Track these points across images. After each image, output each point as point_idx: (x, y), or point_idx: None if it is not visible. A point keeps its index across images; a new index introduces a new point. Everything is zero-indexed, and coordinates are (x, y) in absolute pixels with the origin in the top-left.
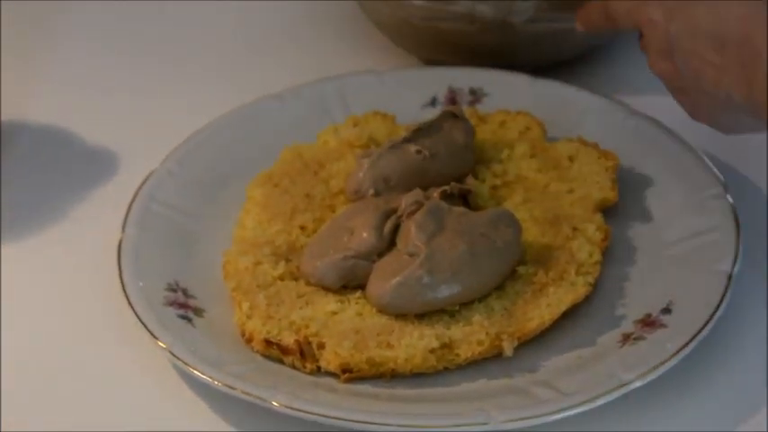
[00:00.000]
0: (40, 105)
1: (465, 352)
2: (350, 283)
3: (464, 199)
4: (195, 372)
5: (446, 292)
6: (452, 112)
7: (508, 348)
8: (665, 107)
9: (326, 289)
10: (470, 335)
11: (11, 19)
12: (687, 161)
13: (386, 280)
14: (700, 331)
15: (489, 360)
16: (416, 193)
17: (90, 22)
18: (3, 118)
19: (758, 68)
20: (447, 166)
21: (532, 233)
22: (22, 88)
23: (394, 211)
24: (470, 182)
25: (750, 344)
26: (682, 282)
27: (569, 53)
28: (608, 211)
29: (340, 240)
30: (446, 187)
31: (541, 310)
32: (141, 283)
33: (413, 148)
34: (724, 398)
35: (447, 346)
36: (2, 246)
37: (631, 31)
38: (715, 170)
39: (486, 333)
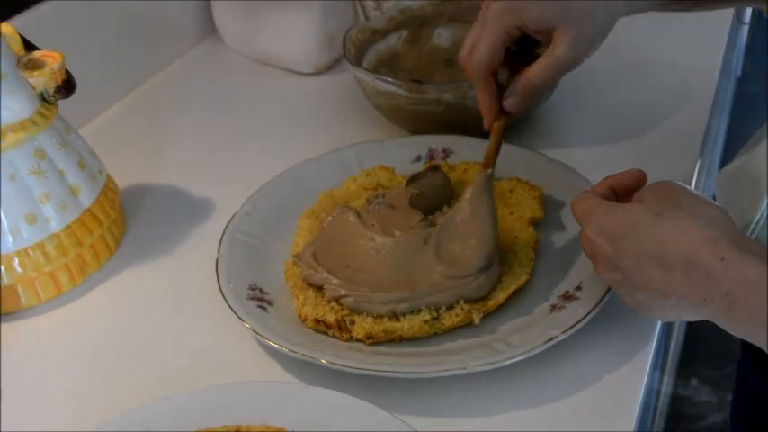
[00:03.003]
0: (157, 169)
1: (448, 321)
2: None
3: None
4: (270, 342)
5: None
6: (435, 166)
7: (476, 318)
8: (574, 157)
9: None
10: (452, 310)
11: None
12: (586, 188)
13: None
14: (600, 301)
15: (464, 327)
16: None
17: (191, 105)
18: (133, 181)
19: (711, 288)
20: (431, 200)
21: None
22: (144, 157)
23: None
24: (446, 210)
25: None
26: (587, 269)
27: (507, 122)
28: (538, 224)
29: None
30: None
31: (497, 292)
32: (231, 285)
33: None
34: (618, 343)
35: (436, 318)
36: (138, 268)
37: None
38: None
39: (462, 308)
